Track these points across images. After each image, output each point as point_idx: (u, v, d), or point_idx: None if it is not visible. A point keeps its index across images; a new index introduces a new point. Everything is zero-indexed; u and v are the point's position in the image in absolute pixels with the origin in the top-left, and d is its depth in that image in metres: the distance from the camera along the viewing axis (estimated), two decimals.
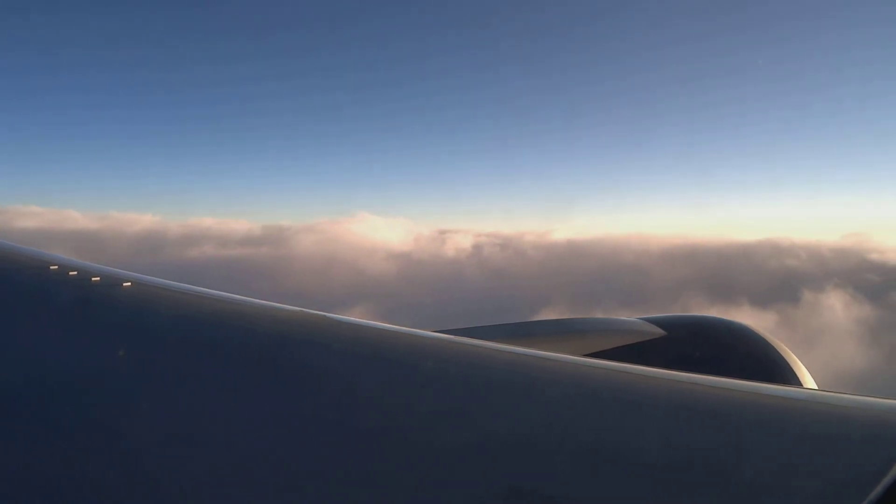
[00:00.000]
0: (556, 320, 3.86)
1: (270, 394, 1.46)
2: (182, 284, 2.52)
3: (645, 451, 1.16)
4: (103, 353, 1.75)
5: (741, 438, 1.21)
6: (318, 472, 1.10)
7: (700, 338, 3.59)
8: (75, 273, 2.53)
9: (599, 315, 4.07)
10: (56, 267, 2.63)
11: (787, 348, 3.39)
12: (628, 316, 3.93)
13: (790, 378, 3.19)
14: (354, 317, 2.17)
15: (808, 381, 3.22)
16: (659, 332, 3.60)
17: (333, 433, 1.25)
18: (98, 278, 2.44)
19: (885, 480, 0.92)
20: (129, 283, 2.39)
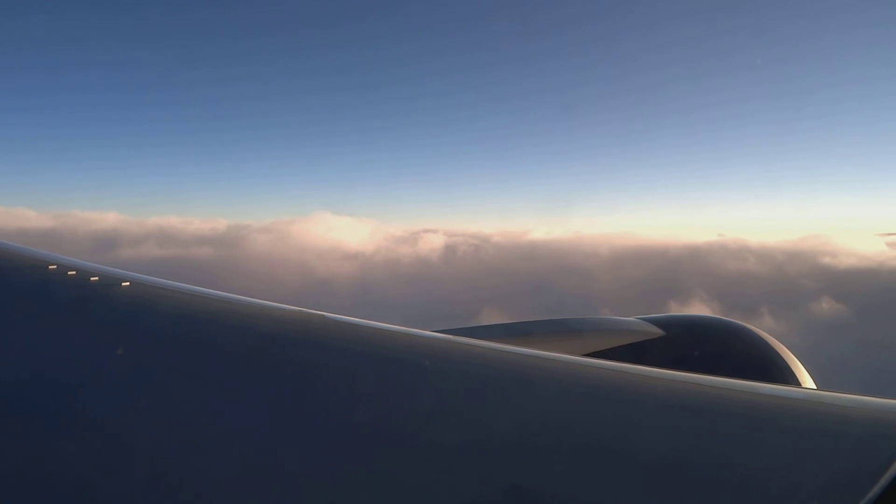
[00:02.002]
0: (555, 320, 3.78)
1: (269, 393, 1.46)
2: (181, 284, 2.52)
3: (644, 451, 1.16)
4: (102, 352, 1.76)
5: (740, 438, 1.21)
6: (318, 472, 1.11)
7: (698, 337, 3.61)
8: (74, 273, 2.52)
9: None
10: (55, 266, 2.64)
11: (785, 348, 3.39)
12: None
13: (789, 378, 3.20)
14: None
15: (807, 381, 3.24)
16: (657, 331, 3.60)
17: (333, 432, 1.25)
18: (97, 278, 2.43)
19: (884, 480, 0.92)
20: (127, 283, 2.39)
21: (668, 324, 3.68)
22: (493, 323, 3.60)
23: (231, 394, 1.46)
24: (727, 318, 3.81)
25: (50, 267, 2.61)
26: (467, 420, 1.32)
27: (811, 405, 1.49)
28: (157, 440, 1.22)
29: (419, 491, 1.04)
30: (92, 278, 2.41)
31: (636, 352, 3.45)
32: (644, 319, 3.75)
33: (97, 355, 1.73)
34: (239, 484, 1.06)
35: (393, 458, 1.13)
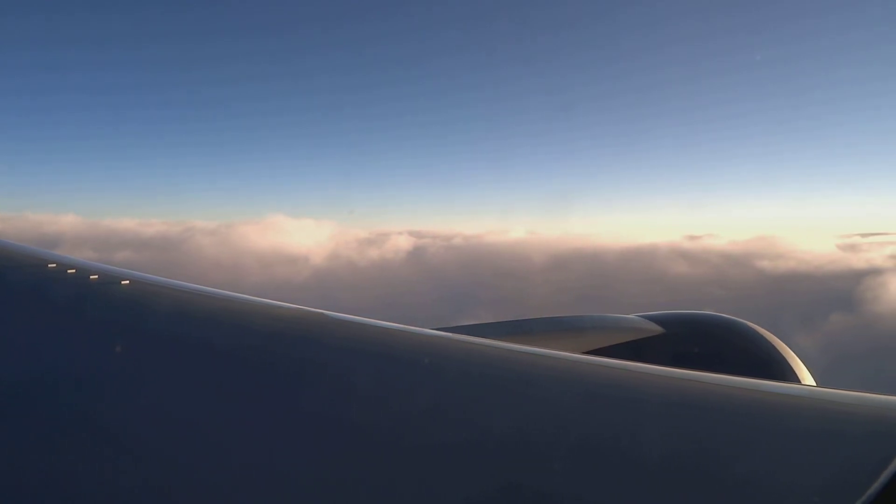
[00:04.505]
0: (555, 318, 3.82)
1: (269, 391, 1.47)
2: (180, 282, 2.56)
3: (644, 448, 1.16)
4: (101, 350, 1.77)
5: (740, 435, 1.22)
6: (317, 470, 1.11)
7: (698, 335, 3.62)
8: (73, 271, 2.57)
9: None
10: (54, 265, 2.69)
11: (785, 345, 3.42)
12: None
13: (788, 375, 3.23)
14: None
15: (807, 378, 3.27)
16: (657, 329, 3.63)
17: (332, 430, 1.26)
18: (96, 276, 2.46)
19: (883, 476, 0.92)
20: (127, 281, 2.42)
21: (667, 321, 3.68)
22: (493, 321, 3.56)
23: (231, 392, 1.46)
24: (727, 316, 3.75)
25: (49, 265, 2.67)
26: (468, 418, 1.32)
27: (811, 402, 1.49)
28: (157, 439, 1.22)
29: (419, 490, 1.03)
30: (91, 276, 2.43)
31: (636, 349, 3.46)
32: (644, 317, 3.74)
33: (97, 353, 1.73)
34: (239, 483, 1.06)
35: (393, 457, 1.13)
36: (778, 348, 3.36)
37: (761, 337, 3.46)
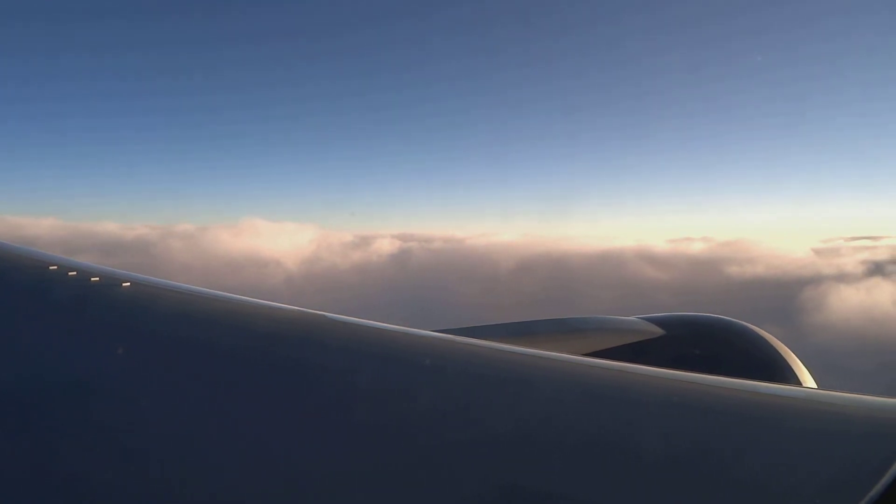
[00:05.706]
0: (556, 320, 3.80)
1: (269, 393, 1.48)
2: (181, 284, 2.57)
3: (644, 450, 1.17)
4: (102, 352, 1.77)
5: (740, 437, 1.22)
6: (317, 471, 1.11)
7: (699, 337, 3.60)
8: (74, 273, 2.56)
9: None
10: (55, 267, 2.68)
11: (786, 347, 3.39)
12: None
13: (789, 377, 3.21)
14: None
15: (808, 380, 3.24)
16: (658, 331, 3.61)
17: (332, 432, 1.26)
18: (97, 278, 2.46)
19: (884, 479, 0.92)
20: (128, 284, 2.42)
21: (668, 323, 3.67)
22: (494, 323, 3.54)
23: (231, 394, 1.47)
24: (727, 318, 3.74)
25: (50, 267, 2.65)
26: (467, 420, 1.33)
27: (812, 405, 1.49)
28: (157, 440, 1.22)
29: (419, 490, 1.04)
30: (92, 279, 2.43)
31: (637, 351, 3.44)
32: (644, 319, 3.73)
33: (97, 355, 1.74)
34: (239, 484, 1.07)
35: (393, 458, 1.14)
36: (779, 350, 3.30)
37: (762, 339, 3.40)
